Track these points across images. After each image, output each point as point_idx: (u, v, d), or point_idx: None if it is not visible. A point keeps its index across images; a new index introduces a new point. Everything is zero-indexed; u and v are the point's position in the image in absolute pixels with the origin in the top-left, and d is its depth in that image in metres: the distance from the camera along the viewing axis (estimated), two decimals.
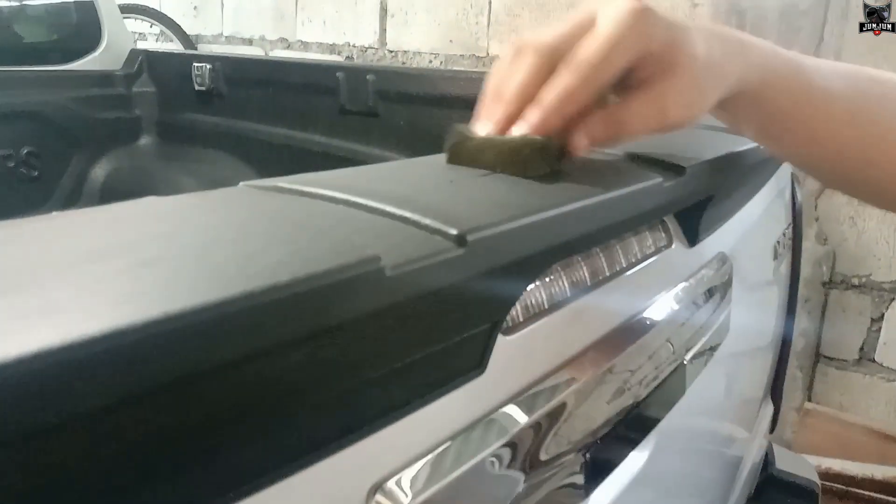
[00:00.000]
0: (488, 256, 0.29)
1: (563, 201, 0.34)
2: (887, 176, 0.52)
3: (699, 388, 0.58)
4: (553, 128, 0.40)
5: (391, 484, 0.29)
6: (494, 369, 0.34)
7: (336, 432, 0.26)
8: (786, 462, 1.11)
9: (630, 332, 0.46)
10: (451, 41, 2.45)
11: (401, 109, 1.26)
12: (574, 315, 0.42)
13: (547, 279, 0.40)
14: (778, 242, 0.90)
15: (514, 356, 0.36)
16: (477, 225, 0.28)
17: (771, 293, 0.93)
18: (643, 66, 0.42)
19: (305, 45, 2.84)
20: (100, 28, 1.65)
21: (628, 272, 0.48)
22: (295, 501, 0.25)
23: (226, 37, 3.09)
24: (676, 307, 0.52)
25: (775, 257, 0.89)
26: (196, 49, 2.97)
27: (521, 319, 0.38)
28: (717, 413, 0.76)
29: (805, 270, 1.61)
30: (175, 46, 2.82)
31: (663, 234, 0.54)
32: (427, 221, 0.28)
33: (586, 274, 0.44)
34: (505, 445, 0.34)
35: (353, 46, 2.70)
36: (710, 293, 0.59)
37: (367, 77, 1.28)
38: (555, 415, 0.38)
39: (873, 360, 1.88)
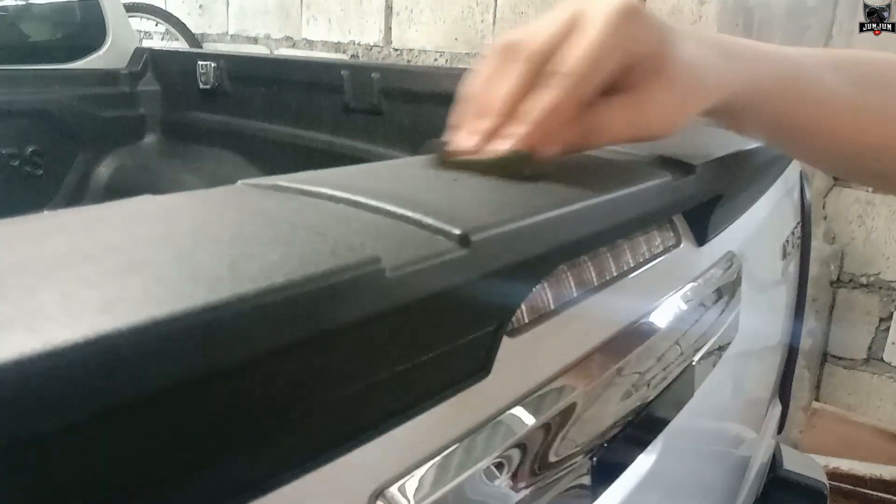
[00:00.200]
0: (493, 257, 0.28)
1: (569, 200, 0.34)
2: None
3: (708, 389, 0.57)
4: (538, 143, 0.38)
5: (393, 490, 0.28)
6: (499, 372, 0.33)
7: (335, 438, 0.25)
8: (794, 462, 1.10)
9: (638, 333, 0.46)
10: (456, 39, 2.44)
11: (405, 108, 1.25)
12: (581, 316, 0.41)
13: (553, 280, 0.39)
14: (787, 241, 0.89)
15: (520, 358, 0.36)
16: (481, 224, 0.28)
17: (779, 293, 0.92)
18: (627, 70, 0.39)
19: (310, 44, 2.84)
20: (104, 26, 1.64)
21: (636, 272, 0.47)
22: None
23: (231, 35, 3.09)
24: (685, 307, 0.52)
25: (784, 256, 0.88)
26: (201, 48, 2.97)
27: (527, 321, 0.37)
28: (725, 414, 0.76)
29: (813, 269, 1.60)
30: (180, 45, 2.82)
31: (672, 234, 0.53)
32: (429, 221, 0.27)
33: (593, 274, 0.43)
34: (510, 449, 0.33)
35: (359, 45, 2.69)
36: (718, 293, 0.58)
37: (372, 75, 1.27)
38: (562, 418, 0.37)
39: (881, 360, 1.87)
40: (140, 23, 2.81)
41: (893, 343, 1.84)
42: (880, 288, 1.84)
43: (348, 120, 1.33)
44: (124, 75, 1.62)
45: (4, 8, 1.62)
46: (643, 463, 0.47)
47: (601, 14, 0.38)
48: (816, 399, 1.94)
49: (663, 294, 0.50)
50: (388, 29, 2.60)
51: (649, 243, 0.50)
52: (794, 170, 0.93)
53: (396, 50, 2.60)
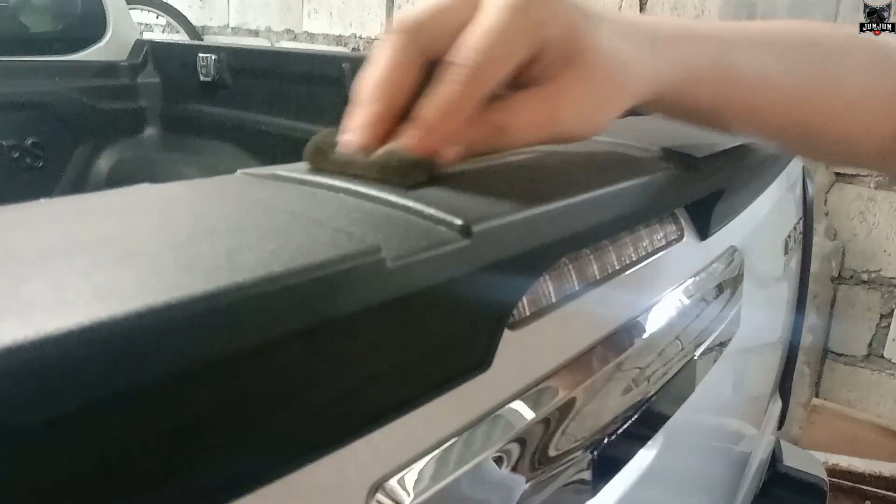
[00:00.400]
0: (494, 248, 0.28)
1: (572, 192, 0.33)
2: (852, 136, 0.47)
3: (709, 385, 0.57)
4: (434, 147, 0.32)
5: (392, 482, 0.28)
6: (500, 365, 0.33)
7: (334, 430, 0.25)
8: (794, 458, 1.10)
9: (640, 328, 0.45)
10: None
11: None
12: (583, 310, 0.41)
13: (555, 273, 0.39)
14: (789, 237, 0.88)
15: (521, 351, 0.35)
16: (483, 215, 0.27)
17: (781, 288, 0.92)
18: (537, 59, 0.34)
19: (312, 37, 2.83)
20: (105, 18, 1.64)
21: (639, 265, 0.47)
22: (292, 501, 0.24)
23: (232, 28, 3.09)
24: (687, 302, 0.51)
25: (786, 252, 0.88)
26: (202, 40, 2.97)
27: (528, 314, 0.37)
28: (726, 409, 0.75)
29: (814, 266, 1.60)
30: (181, 38, 2.82)
31: (674, 227, 0.53)
32: (431, 211, 0.27)
33: (595, 267, 0.42)
34: (511, 443, 0.33)
35: (360, 38, 2.68)
36: (721, 288, 0.58)
37: None
38: (562, 411, 0.37)
39: (882, 357, 1.87)
40: (141, 15, 2.80)
41: (894, 340, 1.84)
42: (881, 284, 1.83)
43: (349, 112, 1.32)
44: (125, 67, 1.62)
45: None
46: (643, 458, 0.47)
47: None
48: (817, 395, 1.94)
49: (665, 288, 0.50)
50: (390, 22, 2.60)
51: (652, 237, 0.49)
52: (796, 165, 0.93)
53: None
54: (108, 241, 0.21)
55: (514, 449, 0.33)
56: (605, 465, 0.41)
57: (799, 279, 1.01)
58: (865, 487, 1.72)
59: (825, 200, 1.85)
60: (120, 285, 0.17)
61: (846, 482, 1.72)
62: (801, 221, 0.96)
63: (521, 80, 0.35)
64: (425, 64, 0.34)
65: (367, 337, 0.24)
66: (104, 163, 1.59)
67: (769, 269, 0.83)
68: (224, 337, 0.18)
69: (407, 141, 0.32)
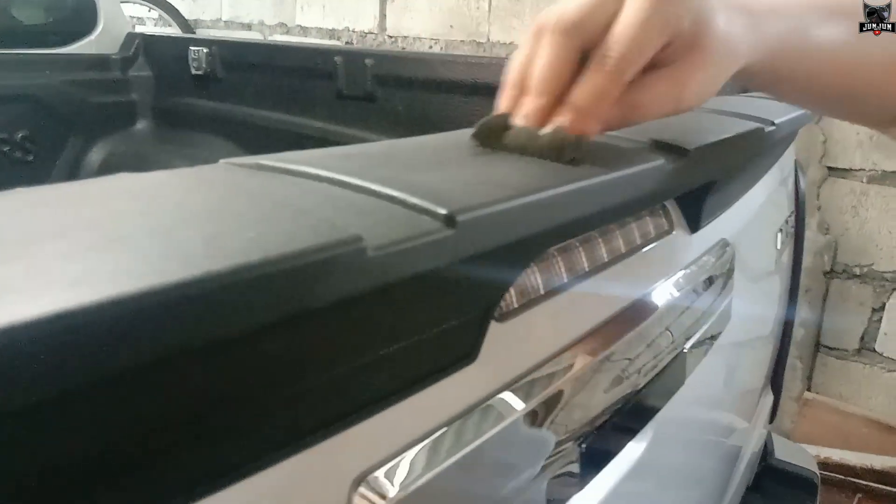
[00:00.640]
0: (480, 238, 0.28)
1: (560, 182, 0.33)
2: None
3: (699, 378, 0.57)
4: (587, 127, 0.39)
5: (376, 475, 0.27)
6: (487, 357, 0.32)
7: (316, 422, 0.24)
8: (785, 452, 1.11)
9: (629, 320, 0.45)
10: (451, 27, 2.42)
11: (399, 94, 1.24)
12: (571, 301, 0.41)
13: (543, 264, 0.39)
14: (780, 230, 0.88)
15: (508, 343, 0.35)
16: (468, 205, 0.27)
17: (772, 282, 0.92)
18: (667, 45, 0.40)
19: (305, 31, 2.82)
20: (96, 11, 1.63)
21: (628, 258, 0.46)
22: (273, 493, 0.24)
23: (224, 21, 3.07)
24: (677, 294, 0.51)
25: (777, 246, 0.88)
26: (194, 34, 2.95)
27: (516, 305, 0.36)
28: (716, 403, 0.75)
29: (806, 260, 1.60)
30: (173, 31, 2.80)
31: (664, 220, 0.53)
32: (414, 200, 0.26)
33: (584, 259, 0.42)
34: (497, 435, 0.33)
35: (353, 32, 2.67)
36: (711, 281, 0.58)
37: (366, 62, 1.26)
38: (550, 404, 0.37)
39: (874, 350, 1.87)
40: (132, 8, 2.78)
41: (886, 334, 1.84)
42: (873, 278, 1.84)
43: (341, 106, 1.32)
44: (116, 60, 1.60)
45: None
46: (633, 451, 0.47)
47: None
48: (808, 389, 1.95)
49: (655, 280, 0.50)
50: (383, 16, 2.59)
51: (641, 229, 0.49)
52: (788, 158, 0.93)
53: (391, 37, 2.58)
54: (87, 226, 0.20)
55: (501, 441, 0.33)
56: (594, 458, 0.41)
57: (791, 273, 1.01)
58: (857, 481, 1.72)
59: (818, 195, 1.85)
60: (96, 271, 0.17)
61: (838, 475, 1.73)
62: (794, 215, 0.96)
63: (650, 62, 0.40)
64: (572, 52, 0.39)
65: (349, 327, 0.23)
66: (95, 156, 1.58)
67: (761, 263, 0.83)
68: (200, 325, 0.17)
69: (566, 124, 0.38)
